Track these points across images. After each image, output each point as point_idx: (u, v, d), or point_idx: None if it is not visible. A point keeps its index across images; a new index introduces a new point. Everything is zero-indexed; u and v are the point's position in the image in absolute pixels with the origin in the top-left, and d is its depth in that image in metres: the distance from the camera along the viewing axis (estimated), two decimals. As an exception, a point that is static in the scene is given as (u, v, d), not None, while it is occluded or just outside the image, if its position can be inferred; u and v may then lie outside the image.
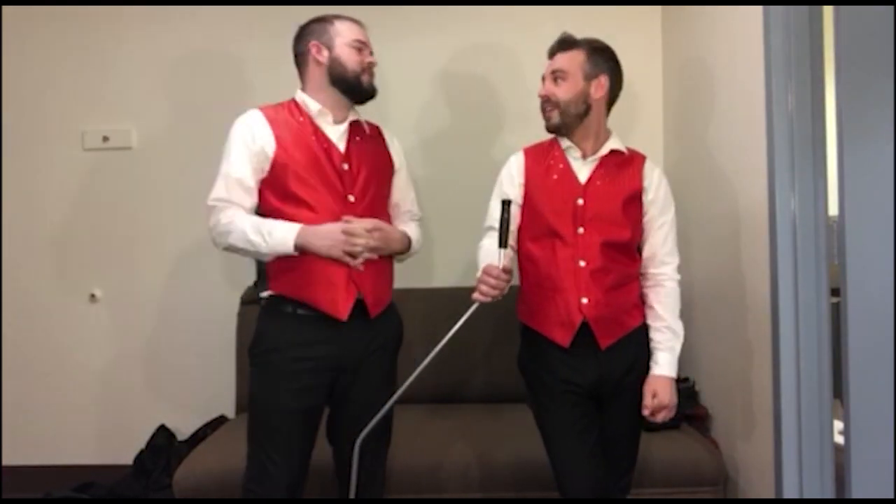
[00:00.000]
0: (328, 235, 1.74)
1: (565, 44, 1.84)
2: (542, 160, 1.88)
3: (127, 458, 2.81)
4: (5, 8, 2.95)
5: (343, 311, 1.78)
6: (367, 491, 1.91)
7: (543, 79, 1.86)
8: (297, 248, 1.73)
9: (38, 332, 2.99)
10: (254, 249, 1.75)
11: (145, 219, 2.98)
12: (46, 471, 2.91)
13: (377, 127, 2.01)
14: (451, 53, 2.96)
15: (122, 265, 2.98)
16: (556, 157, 1.87)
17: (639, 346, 1.84)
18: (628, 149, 1.88)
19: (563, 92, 1.80)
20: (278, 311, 1.81)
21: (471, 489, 2.25)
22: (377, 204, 1.90)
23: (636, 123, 2.89)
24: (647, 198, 1.85)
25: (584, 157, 1.84)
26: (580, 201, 1.79)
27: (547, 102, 1.83)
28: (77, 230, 2.98)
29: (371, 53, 1.91)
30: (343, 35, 1.86)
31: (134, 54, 2.98)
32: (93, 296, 2.98)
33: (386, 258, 1.90)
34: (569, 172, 1.84)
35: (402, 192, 2.02)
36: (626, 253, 1.82)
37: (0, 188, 2.98)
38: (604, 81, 1.82)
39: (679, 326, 1.83)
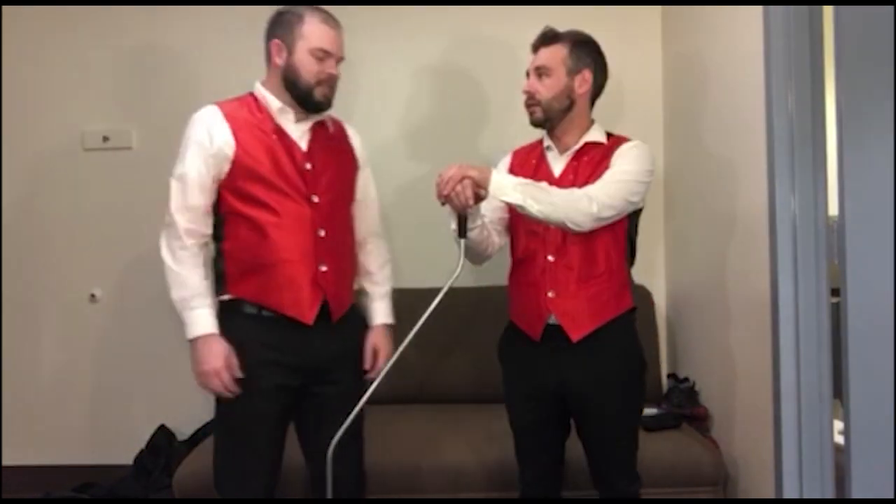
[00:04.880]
0: (205, 358, 1.72)
1: (547, 38, 1.82)
2: (526, 160, 1.90)
3: (127, 458, 2.81)
4: (5, 8, 2.94)
5: (309, 314, 1.73)
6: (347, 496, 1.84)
7: (528, 74, 1.84)
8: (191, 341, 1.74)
9: (38, 332, 2.99)
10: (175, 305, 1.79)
11: (145, 219, 2.96)
12: (46, 471, 2.91)
13: (340, 123, 1.94)
14: (441, 47, 2.94)
15: (122, 265, 2.98)
16: (537, 156, 1.89)
17: (622, 344, 1.82)
18: (610, 136, 1.86)
19: (547, 89, 1.79)
20: (240, 312, 1.75)
21: (461, 489, 2.24)
22: (340, 204, 1.85)
23: (636, 123, 2.87)
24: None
25: (562, 152, 1.85)
26: None
27: (530, 99, 1.82)
28: (77, 230, 2.98)
29: (337, 63, 1.78)
30: (307, 39, 1.72)
31: (134, 54, 2.97)
32: (93, 296, 2.97)
33: (349, 259, 1.87)
34: (544, 168, 1.85)
35: (365, 189, 1.95)
36: (599, 244, 1.76)
37: (0, 188, 2.98)
38: (588, 76, 1.81)
39: (561, 205, 1.65)
